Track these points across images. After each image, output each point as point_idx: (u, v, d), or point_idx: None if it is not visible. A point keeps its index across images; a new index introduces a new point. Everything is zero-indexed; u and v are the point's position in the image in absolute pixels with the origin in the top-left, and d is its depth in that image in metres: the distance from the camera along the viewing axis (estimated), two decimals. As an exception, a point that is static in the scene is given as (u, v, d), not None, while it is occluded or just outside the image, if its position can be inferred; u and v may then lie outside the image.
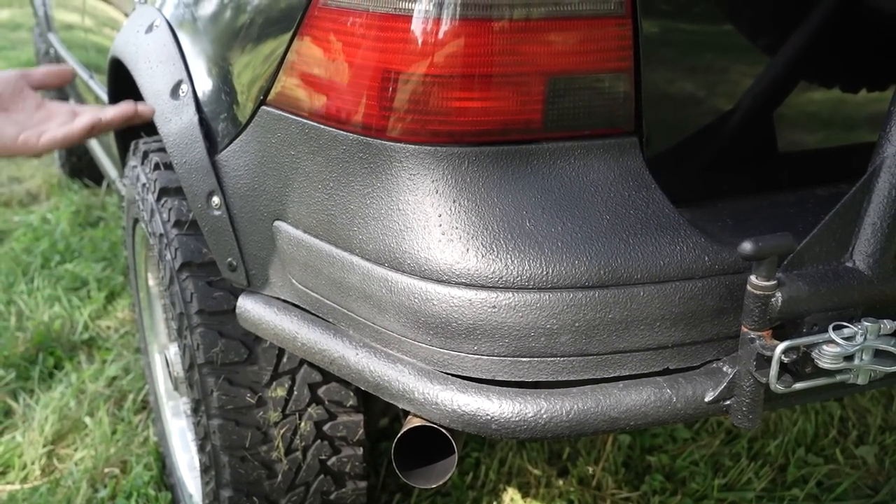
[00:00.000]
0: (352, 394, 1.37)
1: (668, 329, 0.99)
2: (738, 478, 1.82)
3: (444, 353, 1.00)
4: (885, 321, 0.93)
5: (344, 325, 1.11)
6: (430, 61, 0.97)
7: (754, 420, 0.99)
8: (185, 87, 1.28)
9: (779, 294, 0.93)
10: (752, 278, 0.94)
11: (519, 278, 0.96)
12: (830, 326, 0.94)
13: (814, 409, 2.04)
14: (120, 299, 2.76)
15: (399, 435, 1.06)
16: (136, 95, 1.47)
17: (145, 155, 1.49)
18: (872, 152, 0.97)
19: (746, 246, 0.91)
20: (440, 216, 0.99)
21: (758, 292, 0.93)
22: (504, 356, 0.98)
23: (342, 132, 1.05)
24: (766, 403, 1.00)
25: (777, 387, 0.94)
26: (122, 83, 1.65)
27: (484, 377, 1.00)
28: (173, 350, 1.66)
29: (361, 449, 1.40)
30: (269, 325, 1.18)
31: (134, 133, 1.70)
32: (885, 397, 2.11)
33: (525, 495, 1.80)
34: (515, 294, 0.96)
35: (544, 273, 0.96)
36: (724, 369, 1.01)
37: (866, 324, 0.93)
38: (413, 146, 1.00)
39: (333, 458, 1.38)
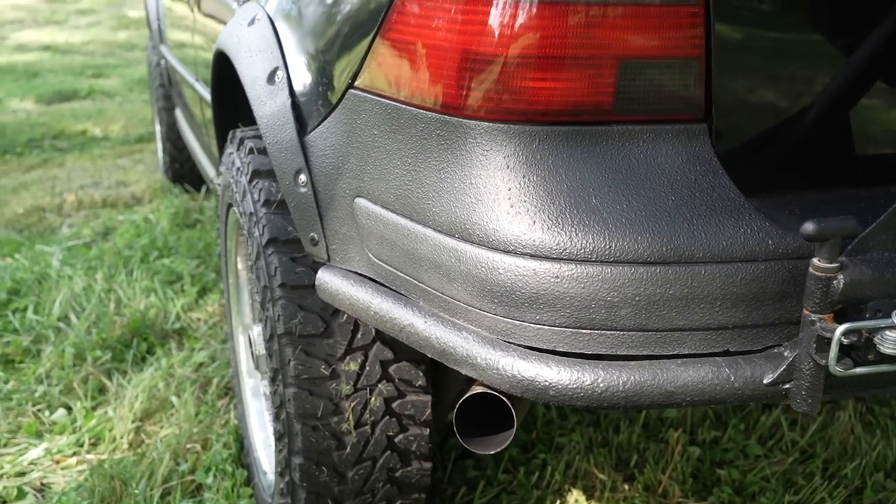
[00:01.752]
0: (421, 374, 1.42)
1: (728, 309, 1.01)
2: (810, 497, 1.78)
3: (507, 321, 1.04)
4: (951, 309, 0.93)
5: (415, 296, 1.16)
6: (508, 44, 1.02)
7: (813, 405, 0.99)
8: (280, 73, 1.37)
9: (841, 276, 0.94)
10: (815, 260, 0.95)
11: (582, 251, 0.99)
12: (894, 312, 0.95)
13: (895, 435, 1.98)
14: (211, 294, 2.89)
15: (461, 401, 1.11)
16: (237, 89, 1.58)
17: (241, 141, 1.59)
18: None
19: (808, 226, 0.93)
20: (510, 190, 1.03)
21: (820, 274, 0.94)
22: (565, 327, 1.01)
23: (421, 111, 1.11)
24: (828, 391, 1.00)
25: (836, 369, 0.94)
26: (224, 76, 1.77)
27: (544, 347, 1.03)
28: (256, 330, 1.74)
29: (428, 430, 1.45)
30: (345, 296, 1.25)
31: (233, 125, 1.81)
32: (973, 429, 2.03)
33: (590, 498, 1.81)
34: (578, 266, 0.99)
35: (607, 247, 0.99)
36: (785, 353, 1.02)
37: (932, 310, 0.93)
38: (487, 123, 1.05)
39: (400, 436, 1.43)
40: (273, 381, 1.42)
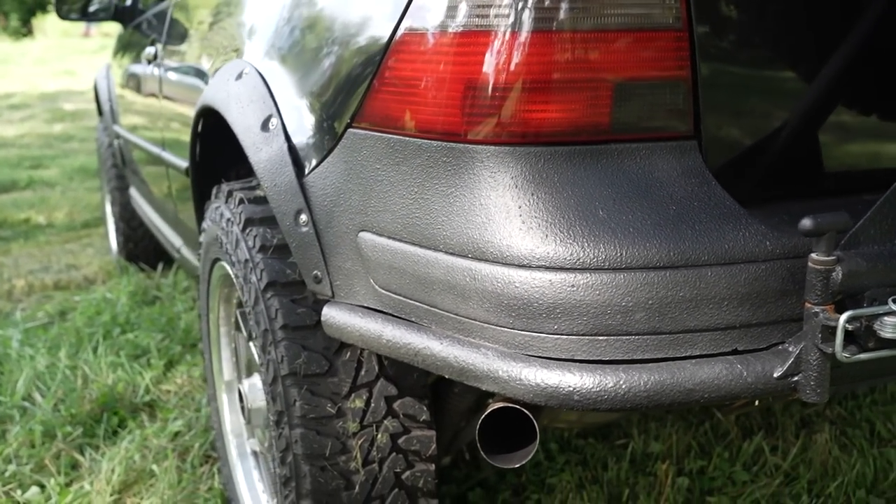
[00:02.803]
0: (425, 409, 1.43)
1: (735, 309, 1.06)
2: (800, 515, 1.82)
3: (525, 335, 1.07)
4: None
5: (426, 322, 1.19)
6: (508, 71, 1.09)
7: (822, 394, 1.04)
8: (274, 120, 1.41)
9: (839, 268, 1.00)
10: (813, 255, 1.01)
11: (595, 259, 1.04)
12: (890, 299, 1.01)
13: (871, 455, 2.04)
14: (179, 366, 2.84)
15: (483, 417, 1.13)
16: (222, 143, 1.61)
17: (229, 194, 1.61)
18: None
19: (806, 222, 0.99)
20: (520, 207, 1.08)
21: (819, 267, 1.01)
22: (582, 335, 1.05)
23: (426, 141, 1.16)
24: (834, 382, 1.05)
25: (843, 356, 1.00)
26: (206, 132, 1.80)
27: (563, 357, 1.06)
28: (247, 383, 1.74)
29: (433, 465, 1.45)
30: (354, 329, 1.26)
31: (213, 182, 1.84)
32: (941, 445, 2.11)
33: (587, 533, 1.81)
34: (592, 274, 1.04)
35: (618, 254, 1.04)
36: (790, 349, 1.07)
37: (924, 295, 0.99)
38: (494, 147, 1.10)
39: (407, 472, 1.43)
40: (277, 424, 1.41)
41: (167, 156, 2.47)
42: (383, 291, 1.25)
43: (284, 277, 1.42)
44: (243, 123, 1.46)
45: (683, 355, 1.07)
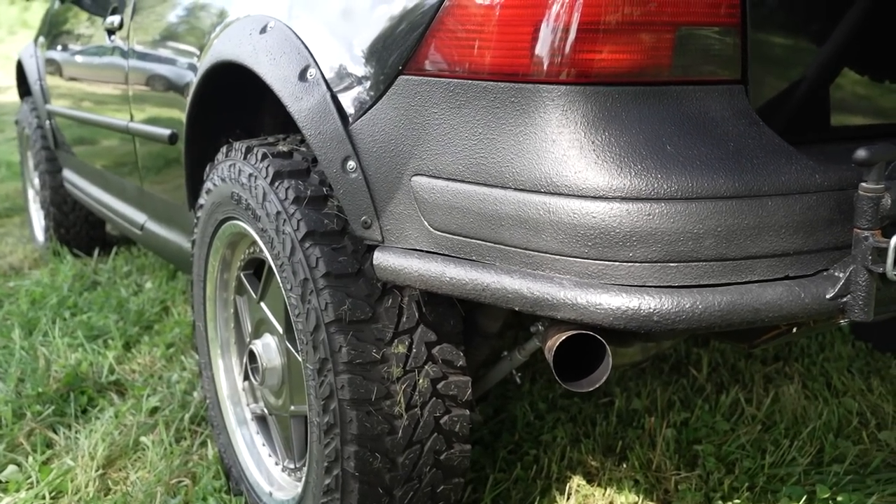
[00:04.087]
0: (462, 354, 1.47)
1: (791, 236, 1.15)
2: (782, 457, 1.95)
3: (599, 264, 1.13)
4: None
5: (489, 259, 1.23)
6: (578, 13, 1.14)
7: (869, 312, 1.14)
8: (312, 70, 1.42)
9: (888, 195, 1.10)
10: (864, 184, 1.11)
11: (669, 190, 1.11)
12: (931, 224, 1.12)
13: (833, 404, 2.20)
14: (140, 346, 2.77)
15: (556, 345, 1.18)
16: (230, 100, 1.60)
17: (248, 150, 1.60)
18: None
19: (861, 153, 1.09)
20: (593, 143, 1.14)
21: (870, 195, 1.10)
22: (655, 261, 1.12)
23: (492, 83, 1.20)
24: (879, 305, 1.15)
25: (893, 274, 1.09)
26: (211, 89, 1.79)
27: (636, 284, 1.13)
28: (260, 343, 1.73)
29: (468, 411, 1.49)
30: (411, 270, 1.29)
31: (206, 159, 1.83)
32: (891, 395, 2.29)
33: (591, 482, 1.89)
34: (667, 203, 1.11)
35: (690, 185, 1.11)
36: (837, 274, 1.16)
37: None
38: (564, 87, 1.15)
39: (446, 417, 1.46)
40: (319, 372, 1.42)
41: (136, 126, 2.41)
42: (439, 233, 1.28)
43: (322, 227, 1.43)
44: (278, 75, 1.46)
45: (744, 280, 1.15)
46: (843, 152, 1.32)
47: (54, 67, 3.50)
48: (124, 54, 2.47)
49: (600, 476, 1.90)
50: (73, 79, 3.21)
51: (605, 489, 1.85)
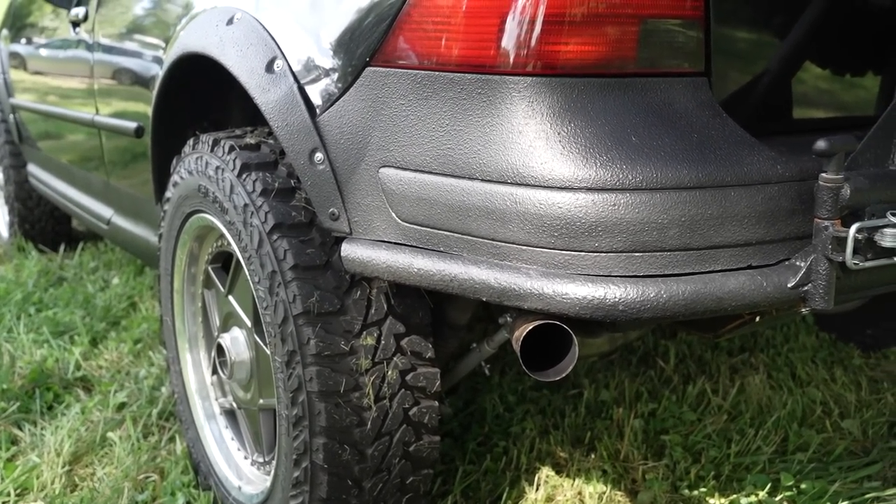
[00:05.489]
0: (430, 346, 1.47)
1: (753, 226, 1.16)
2: (748, 447, 1.98)
3: (564, 254, 1.14)
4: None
5: (456, 250, 1.23)
6: (544, 5, 1.15)
7: (830, 301, 1.16)
8: (279, 62, 1.42)
9: (847, 185, 1.12)
10: (824, 174, 1.13)
11: (634, 180, 1.12)
12: (888, 213, 1.14)
13: (797, 394, 2.23)
14: (107, 342, 2.74)
15: (523, 335, 1.19)
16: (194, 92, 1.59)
17: (215, 143, 1.59)
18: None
19: (821, 143, 1.11)
20: (559, 134, 1.14)
21: (829, 185, 1.12)
22: (620, 251, 1.13)
23: (458, 74, 1.20)
24: (839, 293, 1.17)
25: (853, 262, 1.12)
26: (177, 81, 1.77)
27: (601, 273, 1.14)
28: (228, 337, 1.72)
29: (436, 402, 1.50)
30: (379, 262, 1.29)
31: (173, 152, 1.81)
32: (854, 385, 2.33)
33: (559, 473, 1.90)
34: (632, 194, 1.12)
35: (654, 175, 1.12)
36: (798, 263, 1.18)
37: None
38: (531, 78, 1.16)
39: (414, 409, 1.47)
40: (288, 364, 1.42)
41: (102, 120, 2.38)
42: (407, 224, 1.29)
43: (290, 219, 1.43)
44: (245, 66, 1.46)
45: (708, 270, 1.16)
46: (805, 144, 1.34)
47: (18, 61, 3.45)
48: (89, 47, 2.44)
49: (569, 467, 1.92)
50: (37, 72, 3.16)
51: (574, 480, 1.87)
